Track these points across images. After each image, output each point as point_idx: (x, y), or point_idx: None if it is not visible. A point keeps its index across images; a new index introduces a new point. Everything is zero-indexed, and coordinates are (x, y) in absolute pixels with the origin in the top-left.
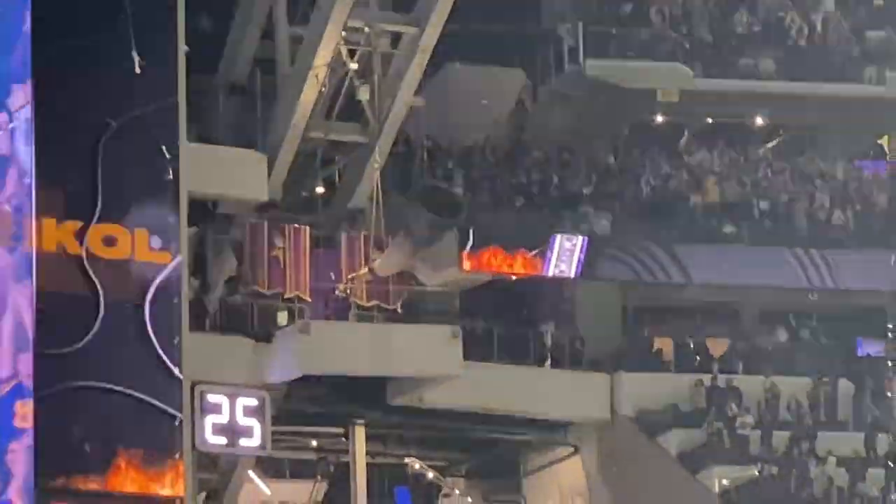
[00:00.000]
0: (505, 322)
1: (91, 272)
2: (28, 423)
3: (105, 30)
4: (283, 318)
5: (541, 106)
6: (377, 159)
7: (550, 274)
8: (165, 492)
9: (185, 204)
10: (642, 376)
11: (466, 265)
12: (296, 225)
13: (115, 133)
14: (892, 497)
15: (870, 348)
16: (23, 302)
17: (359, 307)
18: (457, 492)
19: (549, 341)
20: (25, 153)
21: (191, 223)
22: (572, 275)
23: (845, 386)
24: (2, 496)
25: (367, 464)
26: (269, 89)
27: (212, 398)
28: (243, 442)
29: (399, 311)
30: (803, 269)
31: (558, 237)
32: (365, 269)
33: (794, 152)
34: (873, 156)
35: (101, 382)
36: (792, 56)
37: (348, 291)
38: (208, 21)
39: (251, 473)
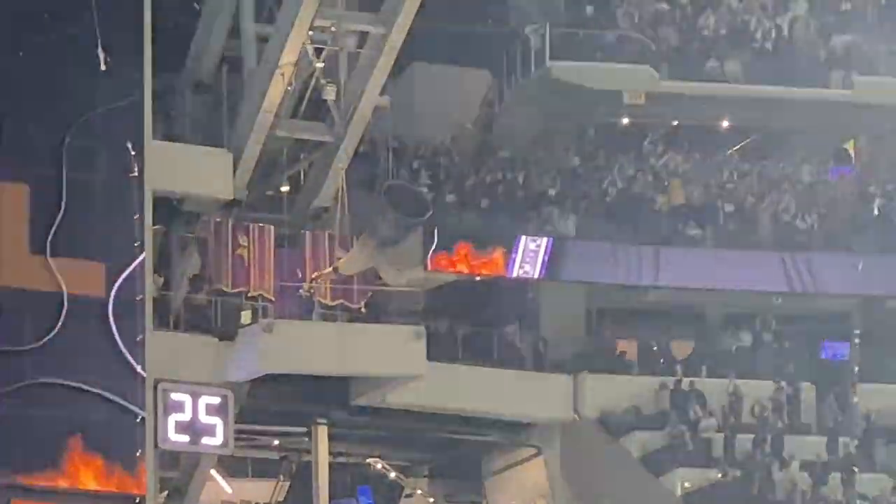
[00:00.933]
0: (469, 322)
1: (55, 269)
2: None
3: (71, 26)
4: (246, 316)
5: (507, 106)
6: (342, 158)
7: (515, 275)
8: (127, 490)
9: (150, 201)
10: (605, 378)
11: (431, 265)
12: (260, 224)
13: (79, 130)
14: (855, 501)
15: (833, 352)
16: None
17: (323, 306)
18: (419, 492)
19: (513, 342)
20: None
21: (155, 221)
22: (536, 276)
23: (808, 389)
24: None
25: (330, 463)
26: (235, 87)
27: (175, 396)
28: (206, 440)
29: (363, 310)
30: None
31: (523, 238)
32: (329, 269)
33: (760, 156)
34: (838, 160)
35: (62, 379)
36: (758, 59)
37: (312, 290)
38: (174, 18)
39: (213, 472)
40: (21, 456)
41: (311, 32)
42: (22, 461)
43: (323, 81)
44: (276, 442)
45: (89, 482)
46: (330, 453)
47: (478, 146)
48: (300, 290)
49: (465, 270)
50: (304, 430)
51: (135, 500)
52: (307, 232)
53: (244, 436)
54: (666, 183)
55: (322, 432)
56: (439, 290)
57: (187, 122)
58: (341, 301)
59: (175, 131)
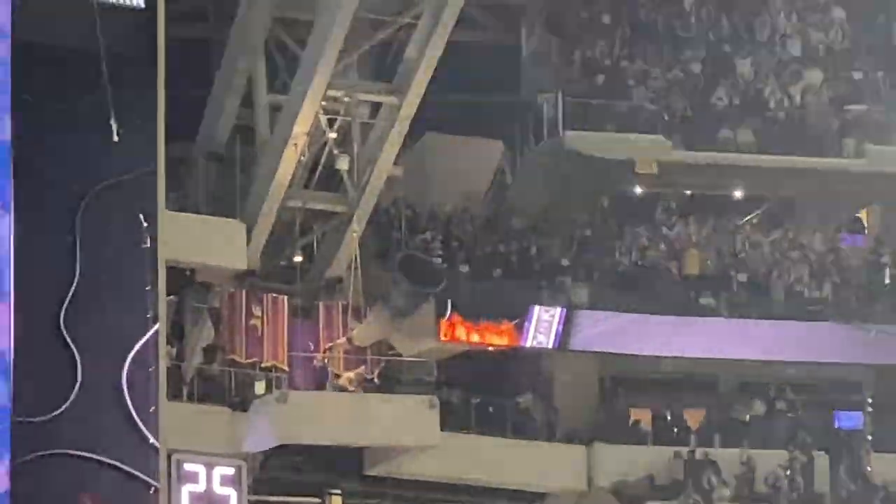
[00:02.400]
0: (482, 392)
1: (69, 339)
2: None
3: (85, 95)
4: (260, 387)
5: (519, 176)
6: (356, 228)
7: (529, 345)
8: None
9: (164, 272)
10: (619, 448)
11: (444, 335)
12: (273, 294)
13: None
14: None
15: (847, 422)
16: None
17: (337, 377)
18: None
19: (527, 412)
20: None
21: (169, 291)
22: (550, 346)
23: (822, 459)
24: None
25: None
26: (248, 157)
27: (188, 467)
28: None
29: (377, 380)
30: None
31: (536, 308)
32: (343, 339)
33: (773, 224)
34: (851, 229)
35: (76, 450)
36: (770, 128)
37: (326, 361)
38: (187, 88)
39: None
40: None
41: (323, 103)
42: None
43: (336, 151)
44: None
45: None
46: None
47: (490, 216)
48: (314, 361)
49: (479, 340)
50: (317, 500)
51: None
52: (320, 302)
53: None
54: (679, 252)
55: (336, 502)
56: (452, 360)
57: (200, 193)
58: (356, 372)
59: (188, 201)
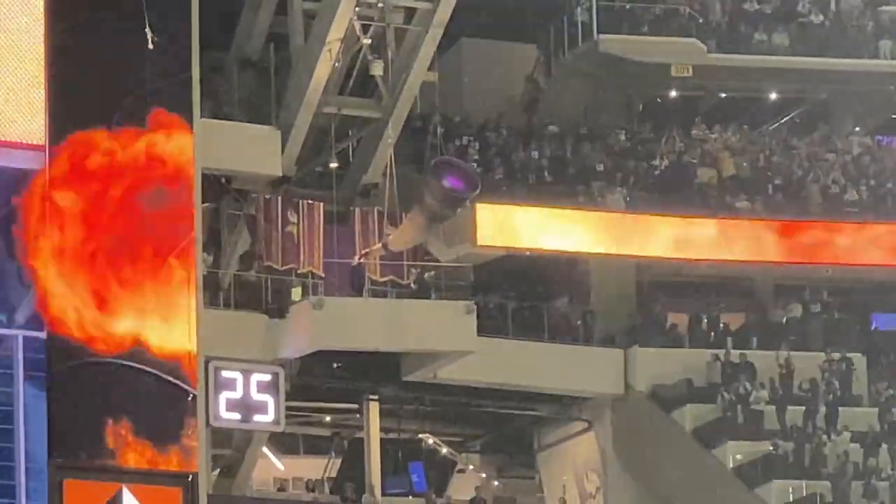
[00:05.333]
0: (518, 297)
1: None
2: None
3: (120, 4)
4: (296, 293)
5: (554, 81)
6: (391, 134)
7: None
8: (179, 468)
9: (199, 180)
10: (656, 352)
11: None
12: (309, 200)
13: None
14: None
15: (885, 323)
16: None
17: (372, 282)
18: (471, 467)
19: (564, 316)
20: None
21: (205, 199)
22: None
23: (859, 361)
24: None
25: (381, 439)
26: (282, 65)
27: (226, 374)
28: (257, 418)
29: (413, 286)
30: None
31: None
32: (379, 245)
33: (808, 127)
34: (887, 130)
35: (112, 357)
36: (805, 31)
37: (364, 264)
38: None
39: (265, 449)
40: (72, 435)
41: (357, 8)
42: (71, 441)
43: (370, 57)
44: (328, 419)
45: (141, 461)
46: (381, 429)
47: (526, 121)
48: (351, 266)
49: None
50: (355, 406)
51: (187, 478)
52: (356, 208)
53: (295, 413)
54: (714, 156)
55: (373, 408)
56: (488, 264)
57: (235, 100)
58: (391, 277)
59: (223, 109)
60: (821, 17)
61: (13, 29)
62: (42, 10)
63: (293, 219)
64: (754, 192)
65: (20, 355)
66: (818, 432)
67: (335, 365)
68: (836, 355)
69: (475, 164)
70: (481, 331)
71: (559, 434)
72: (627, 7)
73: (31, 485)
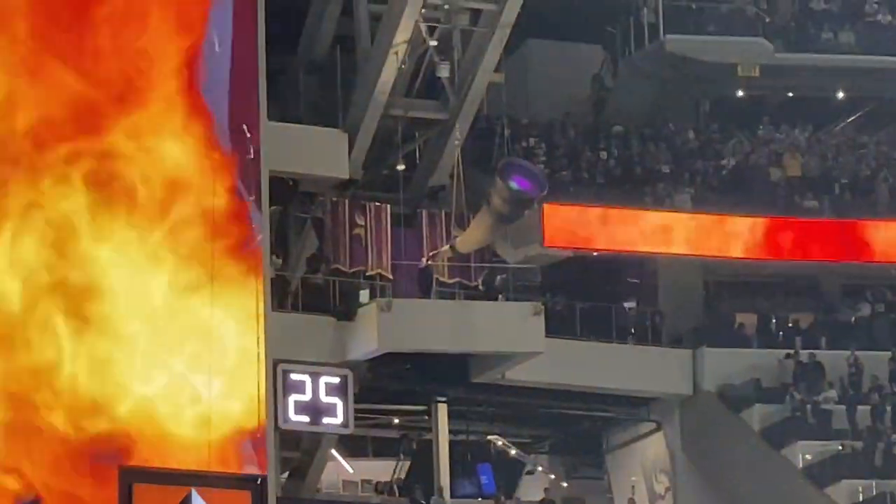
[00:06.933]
0: (586, 298)
1: None
2: None
3: None
4: (364, 295)
5: (620, 81)
6: (457, 136)
7: None
8: (249, 470)
9: (267, 182)
10: (724, 352)
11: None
12: (377, 203)
13: None
14: None
15: None
16: None
17: (440, 284)
18: (540, 468)
19: (631, 317)
20: None
21: (272, 202)
22: None
23: None
24: None
25: (450, 441)
26: (349, 67)
27: (294, 376)
28: (326, 420)
29: (481, 287)
30: None
31: None
32: (446, 247)
33: (875, 127)
34: None
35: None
36: (871, 30)
37: (430, 268)
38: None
39: (334, 452)
40: None
41: (423, 10)
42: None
43: (436, 59)
44: (396, 421)
45: (211, 464)
46: (450, 431)
47: (592, 122)
48: (418, 268)
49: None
50: (423, 408)
51: (256, 480)
52: (423, 210)
53: (364, 415)
54: (781, 156)
55: (442, 410)
56: (556, 266)
57: (302, 103)
58: (459, 279)
59: (290, 112)
60: (888, 17)
61: None
62: None
63: (360, 221)
64: (822, 191)
65: None
66: (887, 431)
67: (406, 366)
68: None
69: (542, 166)
70: (549, 332)
71: (628, 435)
72: (693, 7)
73: None
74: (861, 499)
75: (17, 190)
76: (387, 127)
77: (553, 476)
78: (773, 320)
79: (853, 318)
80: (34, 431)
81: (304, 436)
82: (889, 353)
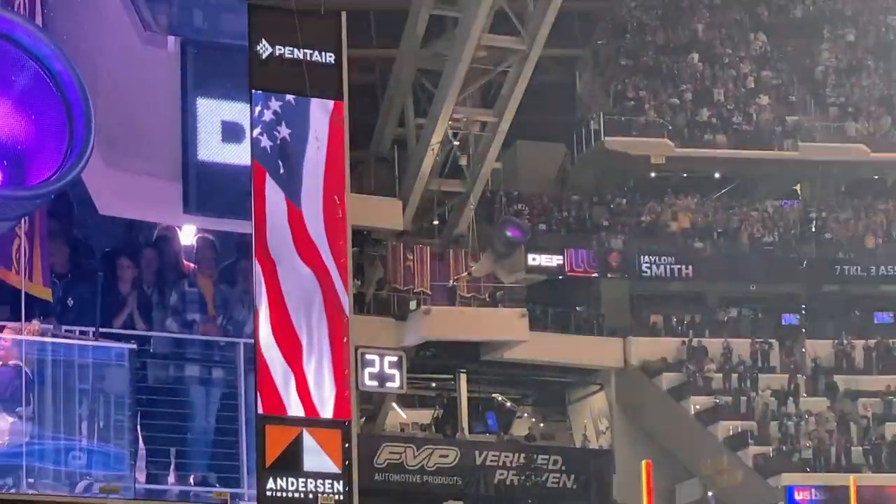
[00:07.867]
0: (555, 305)
1: None
2: None
3: None
4: (413, 304)
5: (577, 167)
6: (472, 202)
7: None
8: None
9: (350, 233)
10: (644, 339)
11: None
12: (421, 245)
13: None
14: None
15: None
16: None
17: (461, 297)
18: (525, 415)
19: (584, 317)
20: None
21: (353, 244)
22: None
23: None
24: None
25: (468, 398)
26: (402, 158)
27: (368, 356)
28: (388, 384)
29: (488, 299)
30: None
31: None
32: (465, 273)
33: (740, 196)
34: (789, 196)
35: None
36: (737, 134)
37: (455, 286)
38: (363, 114)
39: (394, 404)
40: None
41: (450, 122)
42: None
43: (458, 153)
44: (433, 385)
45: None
46: (468, 391)
47: (558, 193)
48: (448, 286)
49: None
50: (450, 377)
51: (344, 423)
52: (451, 250)
53: (413, 380)
54: (678, 213)
55: (463, 378)
56: (536, 284)
57: (372, 182)
58: (474, 294)
59: (364, 187)
60: (750, 127)
61: None
62: None
63: (410, 257)
64: (705, 237)
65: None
66: (748, 391)
67: (438, 350)
68: (760, 342)
69: (526, 221)
70: (532, 327)
71: (582, 393)
72: (623, 119)
73: (247, 429)
74: (730, 433)
75: None
76: (427, 196)
77: (534, 420)
78: (674, 319)
79: (726, 318)
80: None
81: (375, 394)
82: (749, 341)
